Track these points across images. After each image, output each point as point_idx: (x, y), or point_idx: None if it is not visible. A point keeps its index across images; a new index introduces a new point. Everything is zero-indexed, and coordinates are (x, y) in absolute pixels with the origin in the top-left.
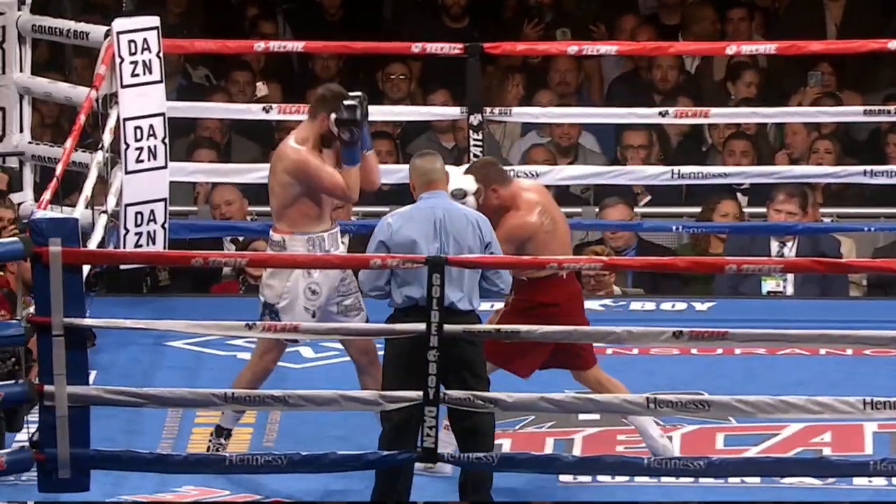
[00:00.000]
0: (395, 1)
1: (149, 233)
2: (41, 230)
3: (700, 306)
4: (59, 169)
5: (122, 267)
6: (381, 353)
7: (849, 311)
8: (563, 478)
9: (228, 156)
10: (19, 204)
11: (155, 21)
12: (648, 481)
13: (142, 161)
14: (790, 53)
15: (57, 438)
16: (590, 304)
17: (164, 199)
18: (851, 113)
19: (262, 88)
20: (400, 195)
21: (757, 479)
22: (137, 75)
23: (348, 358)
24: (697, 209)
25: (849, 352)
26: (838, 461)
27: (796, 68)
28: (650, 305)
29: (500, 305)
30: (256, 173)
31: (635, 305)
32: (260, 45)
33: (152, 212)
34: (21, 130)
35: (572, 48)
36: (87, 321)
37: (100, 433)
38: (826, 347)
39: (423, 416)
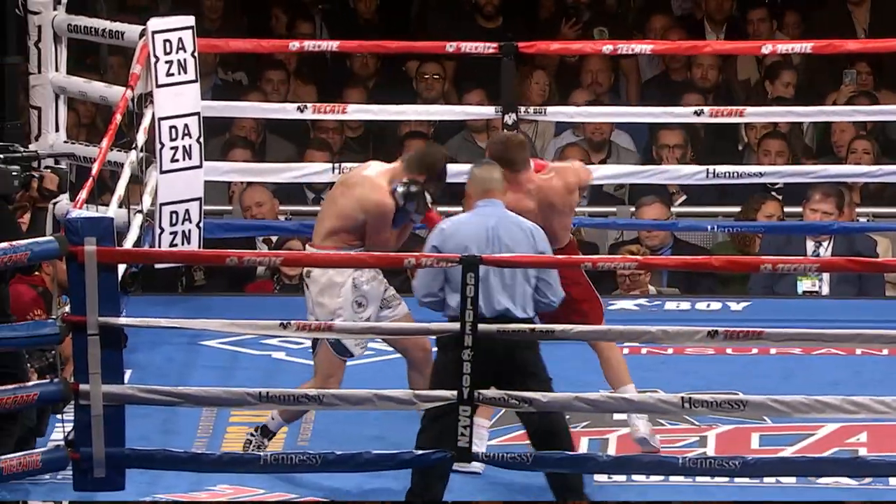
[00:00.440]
0: (426, 1)
1: (184, 232)
2: (77, 229)
3: (735, 306)
4: (94, 168)
5: (158, 266)
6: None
7: (885, 311)
8: (598, 477)
9: (263, 155)
10: (55, 203)
11: (190, 20)
12: (683, 481)
13: (177, 160)
14: (826, 52)
15: (92, 437)
16: (624, 304)
17: (199, 199)
18: (888, 112)
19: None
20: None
21: (792, 480)
22: (172, 75)
23: (381, 358)
24: (733, 209)
25: (885, 352)
26: (874, 461)
27: (829, 69)
28: (685, 305)
29: None
30: (291, 173)
31: (670, 305)
32: (295, 45)
33: (187, 211)
34: (56, 130)
35: (607, 47)
36: (123, 320)
37: (135, 432)
38: (862, 347)
39: (458, 416)
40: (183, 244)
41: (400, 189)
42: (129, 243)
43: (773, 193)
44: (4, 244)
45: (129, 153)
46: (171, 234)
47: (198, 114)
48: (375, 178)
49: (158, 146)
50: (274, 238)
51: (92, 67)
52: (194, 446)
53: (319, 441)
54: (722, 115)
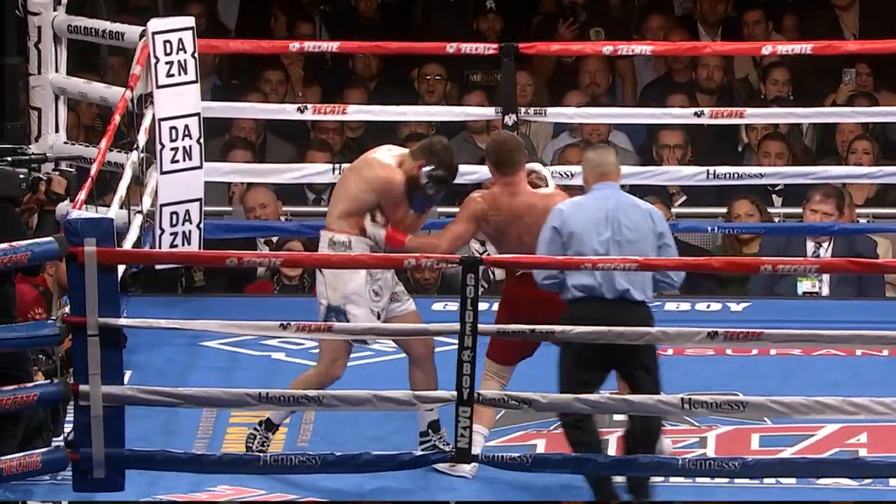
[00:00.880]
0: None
1: (184, 233)
2: (76, 230)
3: (735, 307)
4: (94, 169)
5: (158, 267)
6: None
7: (885, 312)
8: None
9: (263, 156)
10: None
11: (190, 21)
12: (683, 482)
13: (177, 161)
14: (826, 53)
15: (92, 438)
16: None
17: (200, 200)
18: (888, 113)
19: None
20: None
21: (792, 480)
22: (173, 75)
23: (381, 358)
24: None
25: (885, 353)
26: (874, 462)
27: (824, 69)
28: (685, 306)
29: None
30: (291, 173)
31: (670, 306)
32: (295, 46)
33: (187, 212)
34: (56, 131)
35: (607, 48)
36: (123, 321)
37: (135, 433)
38: (862, 348)
39: (457, 416)
40: (183, 245)
41: (426, 169)
42: (129, 244)
43: (773, 194)
44: (4, 245)
45: (129, 154)
46: (171, 234)
47: (198, 114)
48: (383, 158)
49: (159, 147)
50: (275, 239)
51: (92, 68)
52: (194, 447)
53: (319, 442)
54: (722, 116)
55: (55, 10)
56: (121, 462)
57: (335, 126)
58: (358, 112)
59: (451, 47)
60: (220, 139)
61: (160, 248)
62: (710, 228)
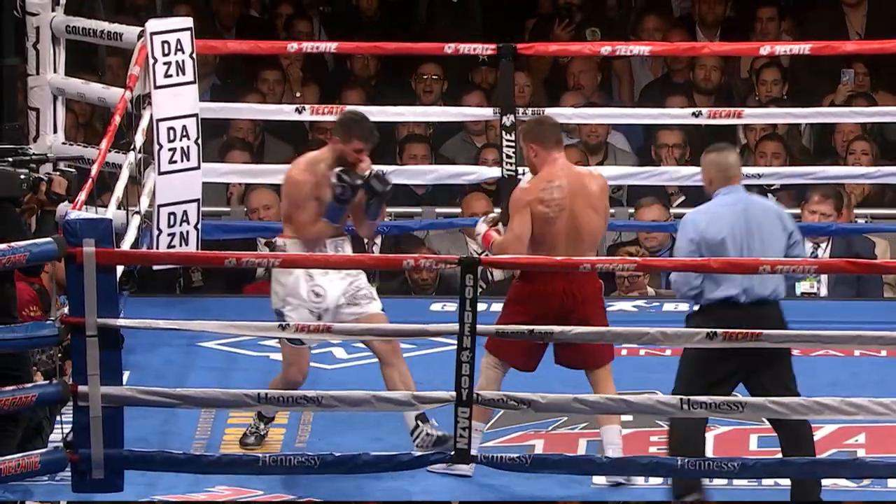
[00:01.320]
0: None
1: (182, 233)
2: (75, 231)
3: None
4: (94, 170)
5: (156, 267)
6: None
7: (883, 313)
8: (597, 479)
9: (261, 157)
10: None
11: (188, 22)
12: None
13: (175, 162)
14: (824, 54)
15: (91, 439)
16: (623, 305)
17: (197, 200)
18: (887, 113)
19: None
20: (433, 196)
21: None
22: (171, 76)
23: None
24: None
25: (883, 353)
26: (873, 462)
27: (822, 69)
28: (684, 306)
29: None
30: None
31: (669, 306)
32: (293, 46)
33: (185, 212)
34: (55, 131)
35: (605, 49)
36: (121, 322)
37: (133, 434)
38: (860, 349)
39: (456, 417)
40: (181, 245)
41: (335, 170)
42: (126, 245)
43: (769, 194)
44: (3, 245)
45: (127, 154)
46: (168, 235)
47: (196, 115)
48: (300, 158)
49: (156, 147)
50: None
51: (90, 69)
52: (193, 447)
53: (318, 443)
54: (720, 116)
55: (53, 10)
56: (119, 462)
57: (333, 126)
58: None
59: (449, 48)
60: (218, 140)
61: (158, 248)
62: None
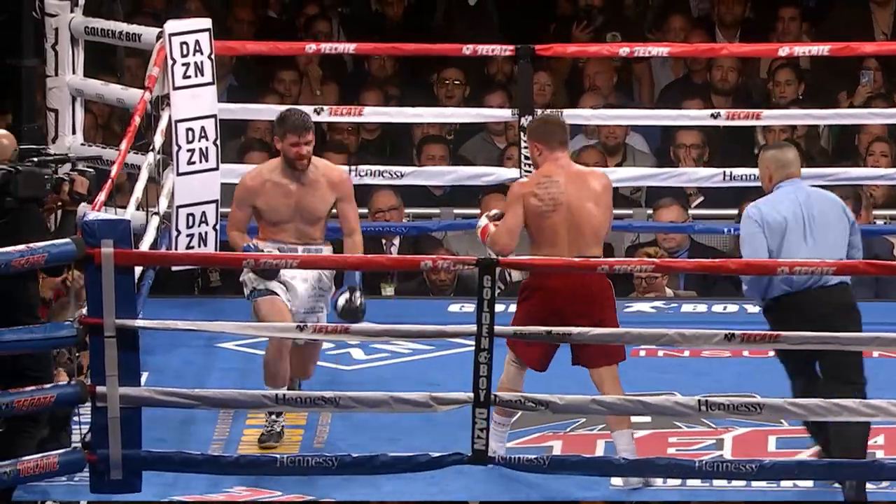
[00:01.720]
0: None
1: (200, 234)
2: (93, 232)
3: (752, 308)
4: (114, 171)
5: (174, 268)
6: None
7: None
8: (615, 480)
9: None
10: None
11: (207, 23)
12: (700, 485)
13: (193, 163)
14: (843, 55)
15: (109, 439)
16: (641, 306)
17: (216, 201)
18: None
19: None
20: (452, 197)
21: (809, 483)
22: (189, 77)
23: (398, 360)
24: None
25: None
26: (892, 464)
27: (840, 70)
28: (702, 308)
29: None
30: None
31: (687, 308)
32: (311, 47)
33: (204, 213)
34: (73, 132)
35: (624, 50)
36: (140, 322)
37: (151, 434)
38: (879, 350)
39: (474, 418)
40: (199, 246)
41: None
42: (145, 245)
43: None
44: (22, 246)
45: (146, 155)
46: (187, 236)
47: (214, 116)
48: (261, 164)
49: (175, 148)
50: None
51: (109, 70)
52: (211, 448)
53: (336, 443)
54: (738, 117)
55: (72, 11)
56: (138, 463)
57: (351, 127)
58: (373, 114)
59: (467, 49)
60: (236, 141)
61: (176, 249)
62: (726, 230)
